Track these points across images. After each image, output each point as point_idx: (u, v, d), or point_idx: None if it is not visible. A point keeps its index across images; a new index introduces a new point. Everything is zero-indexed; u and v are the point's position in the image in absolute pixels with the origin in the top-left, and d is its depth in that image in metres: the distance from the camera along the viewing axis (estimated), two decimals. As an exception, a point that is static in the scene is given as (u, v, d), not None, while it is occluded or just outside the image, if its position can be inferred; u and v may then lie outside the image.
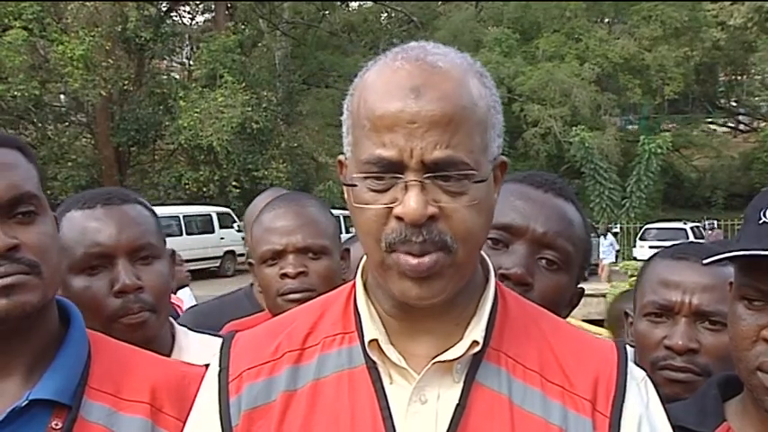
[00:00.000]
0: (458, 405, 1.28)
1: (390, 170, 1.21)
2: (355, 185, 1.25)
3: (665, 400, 1.85)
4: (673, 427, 1.55)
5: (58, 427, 1.39)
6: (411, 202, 1.20)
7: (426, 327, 1.31)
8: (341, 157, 1.34)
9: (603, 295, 19.46)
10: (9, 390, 1.42)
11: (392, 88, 1.23)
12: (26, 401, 1.38)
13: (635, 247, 29.22)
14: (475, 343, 1.29)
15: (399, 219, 1.21)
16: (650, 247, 27.79)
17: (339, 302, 1.39)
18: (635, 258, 27.21)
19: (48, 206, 1.48)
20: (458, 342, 1.30)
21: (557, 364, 1.33)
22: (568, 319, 1.72)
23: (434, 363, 1.29)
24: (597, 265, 25.22)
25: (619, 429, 1.30)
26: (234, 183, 30.96)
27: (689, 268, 1.91)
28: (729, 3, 38.82)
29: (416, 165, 1.20)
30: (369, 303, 1.35)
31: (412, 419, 1.27)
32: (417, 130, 1.20)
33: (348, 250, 2.50)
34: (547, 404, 1.29)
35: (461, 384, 1.29)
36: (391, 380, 1.30)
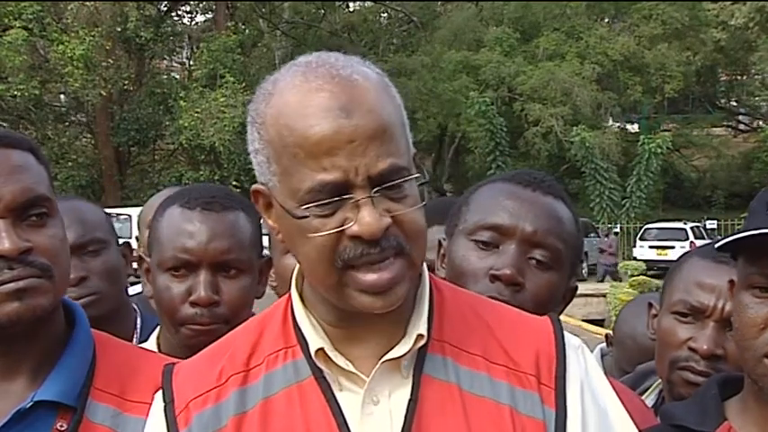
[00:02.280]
0: (410, 400, 1.29)
1: (336, 193, 1.22)
2: (303, 217, 1.23)
3: (677, 400, 1.86)
4: (674, 427, 1.56)
5: (62, 429, 1.40)
6: (367, 218, 1.21)
7: (369, 330, 1.32)
8: (258, 187, 1.32)
9: (603, 295, 19.49)
10: (14, 391, 1.42)
11: (319, 111, 1.22)
12: (31, 403, 1.39)
13: (635, 247, 29.22)
14: (420, 336, 1.31)
15: (355, 237, 1.22)
16: (650, 247, 27.78)
17: (276, 318, 1.39)
18: (635, 258, 27.20)
19: (58, 208, 1.49)
20: (401, 339, 1.32)
21: (498, 345, 1.35)
22: (566, 320, 1.73)
23: (383, 362, 1.30)
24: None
25: (565, 398, 1.33)
26: (234, 182, 30.94)
27: (727, 273, 1.85)
28: (730, 3, 38.77)
29: (363, 181, 1.21)
30: (308, 314, 1.35)
31: (366, 421, 1.28)
32: (358, 147, 1.21)
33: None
34: (494, 385, 1.32)
35: (410, 379, 1.31)
36: (341, 387, 1.31)
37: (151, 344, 2.04)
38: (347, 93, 1.23)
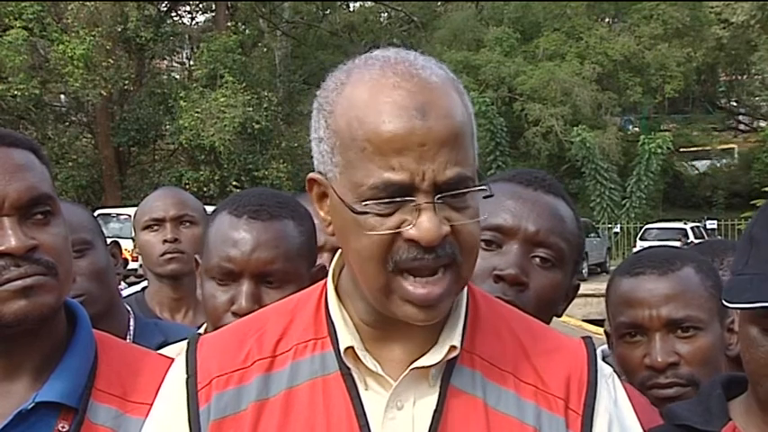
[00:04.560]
0: (435, 410, 1.28)
1: (399, 194, 1.19)
2: (363, 213, 1.21)
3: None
4: (679, 426, 1.56)
5: (64, 430, 1.40)
6: (427, 224, 1.18)
7: (402, 333, 1.30)
8: (316, 176, 1.29)
9: (604, 295, 19.41)
10: (16, 391, 1.42)
11: (394, 108, 1.20)
12: (32, 404, 1.39)
13: (635, 246, 29.20)
14: (453, 348, 1.29)
15: (411, 241, 1.20)
16: (650, 247, 27.70)
17: (310, 306, 1.37)
18: (635, 258, 27.10)
19: (60, 207, 1.49)
20: (433, 346, 1.30)
21: (529, 363, 1.34)
22: (566, 320, 1.73)
23: (411, 369, 1.28)
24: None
25: (591, 426, 1.31)
26: (234, 183, 30.92)
27: (647, 281, 1.92)
28: (733, 1, 38.74)
29: (428, 187, 1.19)
30: (342, 309, 1.33)
31: (388, 425, 1.27)
32: (428, 152, 1.19)
33: None
34: (521, 404, 1.30)
35: (437, 389, 1.29)
36: (366, 386, 1.29)
37: None
38: (425, 94, 1.21)
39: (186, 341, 1.38)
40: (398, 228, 1.20)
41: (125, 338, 2.39)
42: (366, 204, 1.20)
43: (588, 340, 1.42)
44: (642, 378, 1.90)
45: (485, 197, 1.26)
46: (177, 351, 1.93)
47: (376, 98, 1.21)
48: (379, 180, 1.19)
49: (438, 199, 1.20)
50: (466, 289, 1.36)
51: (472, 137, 1.27)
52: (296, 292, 1.83)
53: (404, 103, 1.20)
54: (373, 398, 1.29)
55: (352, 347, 1.29)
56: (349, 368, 1.30)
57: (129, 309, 2.52)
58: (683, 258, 1.98)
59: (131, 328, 2.46)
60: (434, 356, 1.29)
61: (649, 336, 1.90)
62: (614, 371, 1.43)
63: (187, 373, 1.34)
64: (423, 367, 1.29)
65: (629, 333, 1.93)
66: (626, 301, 1.94)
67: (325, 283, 1.38)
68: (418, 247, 1.20)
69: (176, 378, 1.36)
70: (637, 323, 1.91)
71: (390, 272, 1.22)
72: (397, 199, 1.19)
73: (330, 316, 1.34)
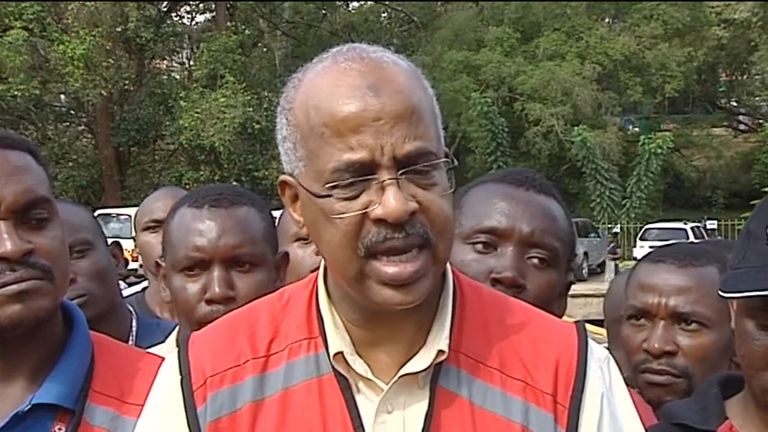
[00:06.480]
0: (426, 413, 1.27)
1: (362, 173, 1.20)
2: (326, 196, 1.21)
3: (652, 405, 1.87)
4: (675, 425, 1.55)
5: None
6: (392, 200, 1.18)
7: (391, 334, 1.29)
8: (285, 177, 1.30)
9: (603, 295, 19.46)
10: (13, 394, 1.42)
11: (347, 89, 1.21)
12: (29, 406, 1.38)
13: (635, 247, 29.20)
14: (440, 352, 1.28)
15: (379, 221, 1.19)
16: (650, 248, 27.72)
17: (301, 303, 1.35)
18: (635, 258, 27.14)
19: (57, 209, 1.48)
20: (421, 348, 1.29)
21: (517, 357, 1.32)
22: (566, 319, 1.72)
23: (401, 376, 1.28)
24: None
25: (578, 419, 1.30)
26: (234, 183, 30.96)
27: (665, 271, 1.93)
28: (733, 1, 38.74)
29: (389, 162, 1.19)
30: (332, 311, 1.32)
31: (379, 429, 1.27)
32: (384, 126, 1.19)
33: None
34: (508, 402, 1.29)
35: (427, 391, 1.29)
36: (358, 389, 1.29)
37: (170, 345, 2.03)
38: (376, 73, 1.22)
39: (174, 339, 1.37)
40: (365, 209, 1.20)
41: (128, 339, 2.39)
42: (331, 188, 1.20)
43: (580, 325, 1.40)
44: (637, 361, 1.92)
45: (448, 169, 1.26)
46: (166, 350, 1.93)
47: (329, 83, 1.23)
48: (339, 162, 1.19)
49: (401, 174, 1.20)
50: (452, 282, 1.35)
51: (434, 116, 1.27)
52: (266, 277, 1.87)
53: (355, 83, 1.21)
54: (365, 401, 1.28)
55: (341, 353, 1.28)
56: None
57: (132, 309, 2.52)
58: (710, 257, 1.98)
59: (134, 328, 2.46)
60: (422, 361, 1.28)
61: (654, 322, 1.92)
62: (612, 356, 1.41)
63: (181, 373, 1.33)
64: (411, 373, 1.28)
65: (635, 316, 1.95)
66: (640, 285, 1.96)
67: (316, 278, 1.36)
68: (387, 227, 1.19)
69: (170, 378, 1.34)
70: (645, 308, 1.93)
71: (363, 257, 1.21)
72: (360, 178, 1.20)
73: (322, 316, 1.33)
